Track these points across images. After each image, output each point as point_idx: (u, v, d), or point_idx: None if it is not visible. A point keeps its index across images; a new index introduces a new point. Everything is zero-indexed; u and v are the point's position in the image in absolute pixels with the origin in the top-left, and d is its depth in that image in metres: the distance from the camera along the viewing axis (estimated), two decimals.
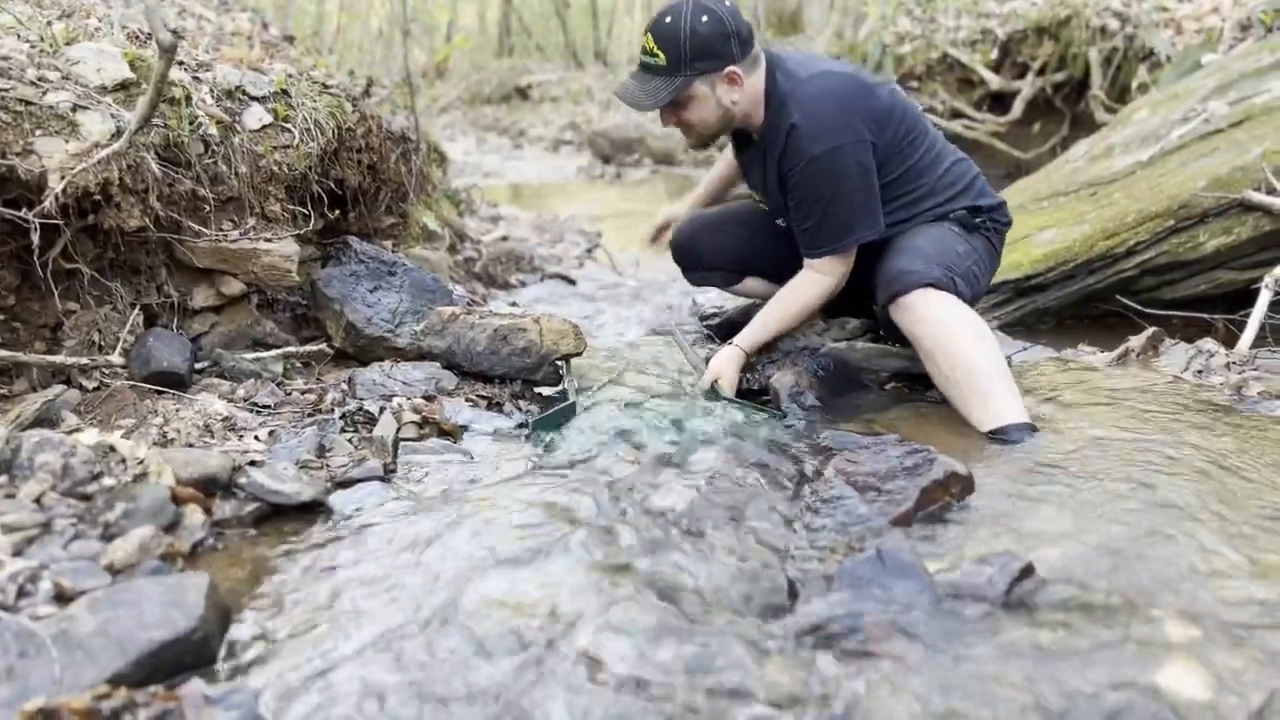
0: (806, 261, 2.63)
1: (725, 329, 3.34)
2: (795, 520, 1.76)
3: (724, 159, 3.17)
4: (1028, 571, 1.47)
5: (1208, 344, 2.80)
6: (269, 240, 2.64)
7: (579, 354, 2.75)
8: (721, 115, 2.54)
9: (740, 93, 2.50)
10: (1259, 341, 2.97)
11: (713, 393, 2.57)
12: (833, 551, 1.52)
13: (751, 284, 3.09)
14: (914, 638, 1.33)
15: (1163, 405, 2.38)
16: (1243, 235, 3.50)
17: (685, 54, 2.41)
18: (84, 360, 2.26)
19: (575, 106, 19.68)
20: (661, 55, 2.43)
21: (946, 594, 1.43)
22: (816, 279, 2.62)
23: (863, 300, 2.77)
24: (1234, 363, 2.66)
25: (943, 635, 1.34)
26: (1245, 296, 3.34)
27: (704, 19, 2.40)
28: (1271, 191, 3.44)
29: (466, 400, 2.62)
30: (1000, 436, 2.21)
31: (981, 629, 1.35)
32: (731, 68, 2.45)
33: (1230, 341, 2.96)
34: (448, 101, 22.32)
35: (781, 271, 2.73)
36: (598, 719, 1.17)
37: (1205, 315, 3.53)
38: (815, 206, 2.51)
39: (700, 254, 3.06)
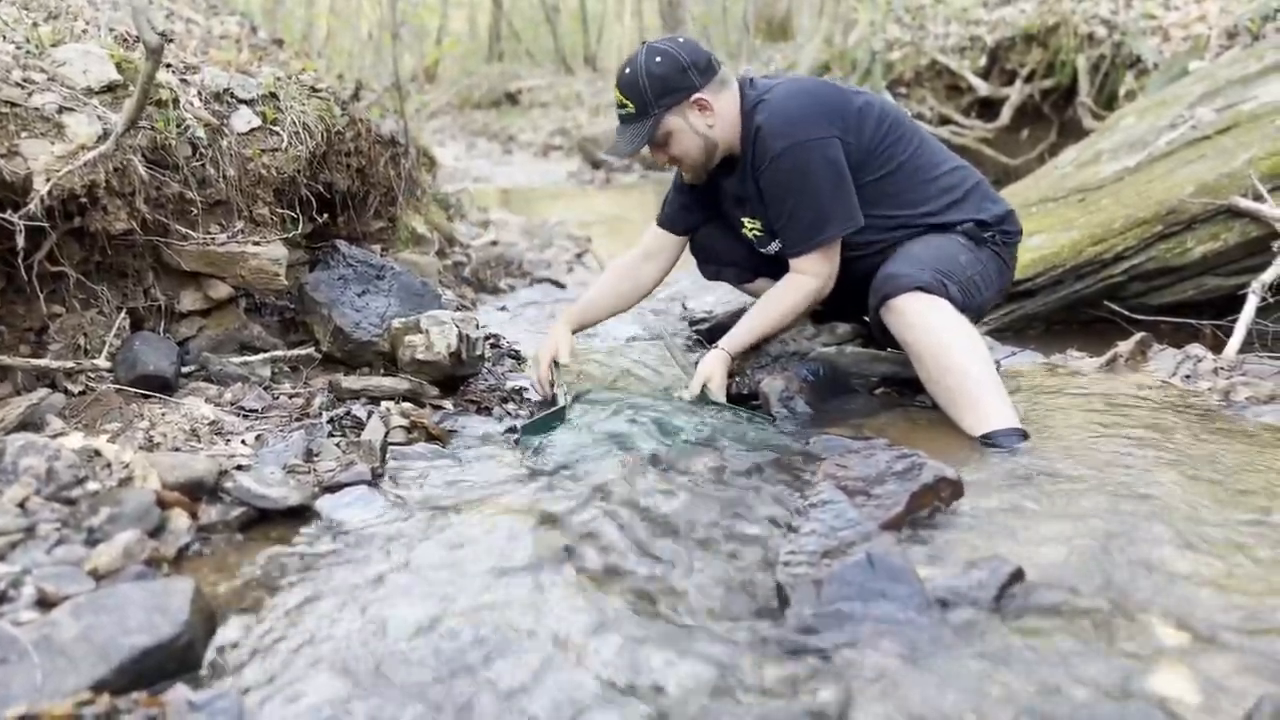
0: (790, 263, 2.63)
1: (715, 333, 3.33)
2: (785, 525, 1.75)
3: (612, 273, 3.05)
4: (1017, 576, 1.47)
5: (1195, 349, 2.81)
6: (257, 244, 2.63)
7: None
8: (703, 144, 2.59)
9: (714, 117, 2.56)
10: (1246, 347, 2.98)
11: (703, 397, 2.57)
12: (823, 556, 1.52)
13: (763, 284, 3.08)
14: (904, 642, 1.33)
15: (1151, 410, 2.38)
16: (1230, 241, 3.51)
17: (648, 96, 2.52)
18: (69, 364, 2.25)
19: (565, 112, 19.71)
20: (630, 104, 2.55)
21: (936, 598, 1.42)
22: (800, 281, 2.61)
23: (854, 307, 2.76)
24: (1222, 368, 2.67)
25: (932, 639, 1.33)
26: (1232, 302, 3.35)
27: (657, 60, 2.52)
28: (1259, 198, 3.46)
29: (455, 404, 2.61)
30: (990, 441, 2.20)
31: (971, 633, 1.35)
32: (696, 95, 2.53)
33: (1218, 347, 2.97)
34: (438, 106, 22.30)
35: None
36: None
37: (1193, 321, 3.54)
38: (785, 203, 2.52)
39: (717, 250, 3.05)
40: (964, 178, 2.67)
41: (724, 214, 2.93)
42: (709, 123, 2.55)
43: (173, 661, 1.27)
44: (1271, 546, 1.60)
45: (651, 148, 2.60)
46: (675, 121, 2.54)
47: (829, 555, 1.51)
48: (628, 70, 2.55)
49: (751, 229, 2.78)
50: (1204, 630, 1.34)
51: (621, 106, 2.57)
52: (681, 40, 2.59)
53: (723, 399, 2.57)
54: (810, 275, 2.60)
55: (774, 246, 2.72)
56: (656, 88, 2.50)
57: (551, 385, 2.66)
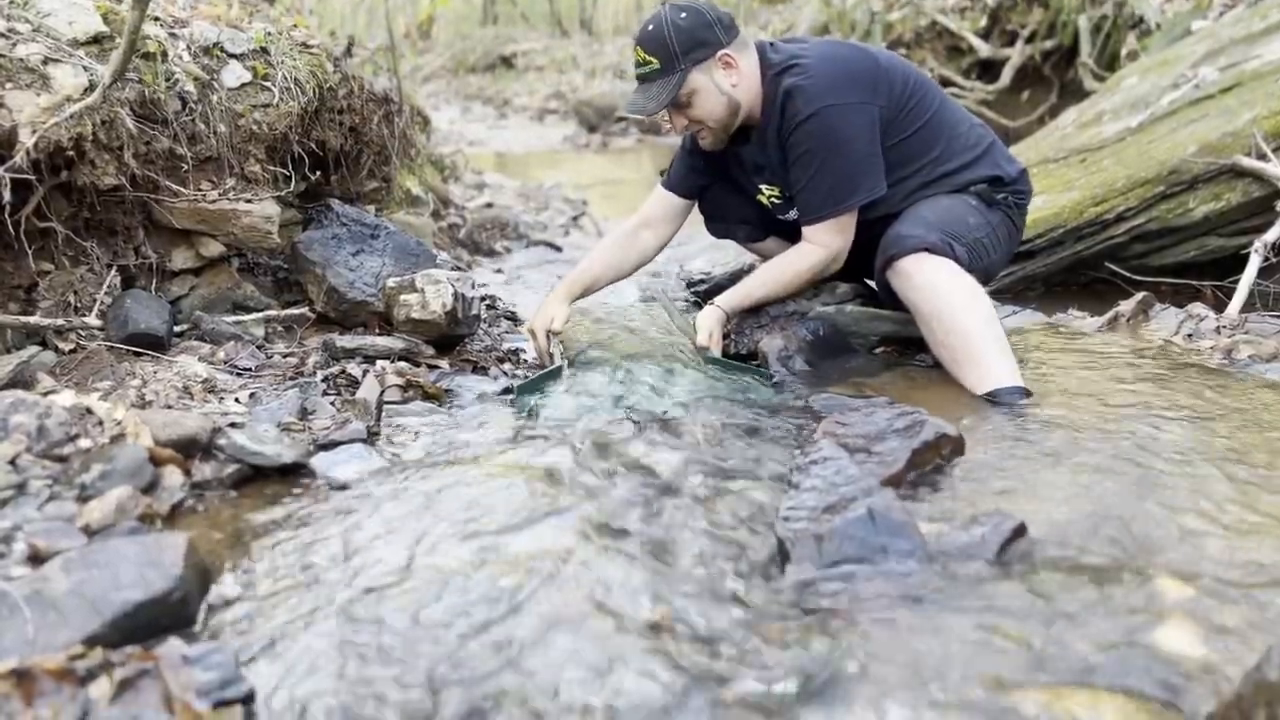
0: (804, 232, 2.60)
1: (712, 295, 3.30)
2: (785, 482, 1.74)
3: (611, 240, 3.01)
4: (1020, 531, 1.46)
5: (1198, 308, 2.78)
6: (249, 201, 2.60)
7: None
8: (726, 103, 2.53)
9: (738, 75, 2.50)
10: (1248, 306, 2.97)
11: (702, 354, 2.55)
12: (823, 511, 1.50)
13: (772, 244, 3.04)
14: (906, 597, 1.31)
15: (1153, 368, 2.37)
16: (1232, 201, 3.48)
17: (675, 51, 2.45)
18: (60, 321, 2.22)
19: (560, 75, 19.53)
20: (654, 60, 2.47)
21: (938, 554, 1.41)
22: (811, 251, 2.58)
23: (859, 268, 2.73)
24: (1224, 327, 2.65)
25: (935, 594, 1.32)
26: (1234, 263, 3.33)
27: (683, 15, 2.46)
28: (1262, 157, 3.42)
29: (451, 364, 2.59)
30: (993, 399, 2.19)
31: (974, 588, 1.34)
32: (723, 51, 2.47)
33: (1219, 308, 2.95)
34: (432, 70, 22.12)
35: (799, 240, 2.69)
36: (588, 675, 1.15)
37: (1194, 282, 3.52)
38: (809, 167, 2.47)
39: (728, 207, 3.01)
40: (981, 135, 2.65)
41: (735, 180, 2.88)
42: (733, 81, 2.50)
43: (166, 616, 1.26)
44: (1275, 501, 1.59)
45: (672, 111, 2.54)
46: (700, 79, 2.48)
47: (830, 510, 1.50)
48: (651, 26, 2.48)
49: (769, 195, 2.74)
50: (1209, 584, 1.33)
51: (643, 64, 2.50)
52: (702, 0, 2.53)
53: (718, 355, 2.55)
54: (821, 247, 2.57)
55: (793, 214, 2.69)
56: (684, 42, 2.44)
57: (551, 356, 2.63)
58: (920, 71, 2.67)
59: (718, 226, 3.13)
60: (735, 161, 2.77)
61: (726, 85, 2.50)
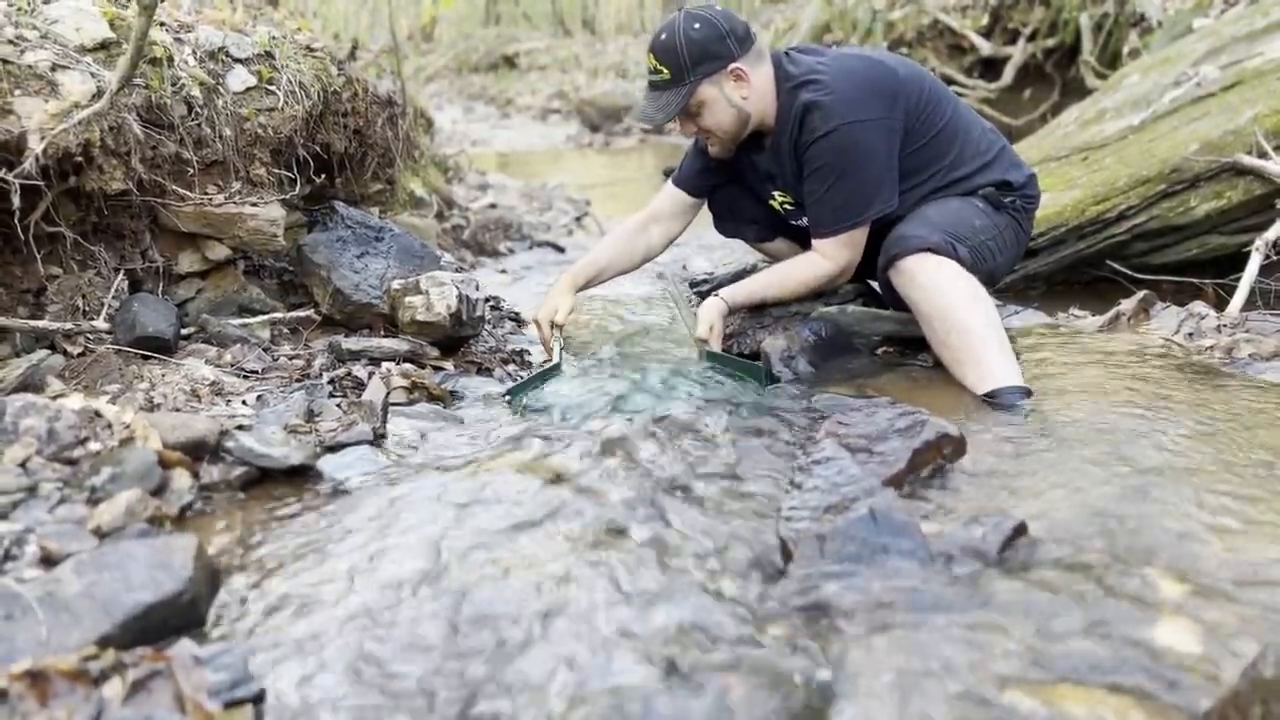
0: (814, 244, 2.61)
1: None
2: (787, 482, 1.75)
3: (618, 233, 3.01)
4: (1021, 531, 1.47)
5: (1198, 307, 2.79)
6: (254, 205, 2.61)
7: None
8: (736, 115, 2.55)
9: (749, 88, 2.51)
10: (1249, 305, 2.98)
11: (704, 348, 2.56)
12: (825, 511, 1.52)
13: (781, 244, 3.06)
14: (907, 595, 1.32)
15: (1154, 367, 2.38)
16: (1234, 199, 3.49)
17: (685, 62, 2.46)
18: (68, 325, 2.24)
19: (563, 75, 19.56)
20: (665, 70, 2.49)
21: (940, 553, 1.42)
22: (819, 262, 2.60)
23: (862, 268, 2.74)
24: (1225, 325, 2.66)
25: (936, 593, 1.33)
26: (1235, 261, 3.34)
27: (696, 26, 2.46)
28: (1263, 155, 3.43)
29: (456, 366, 2.61)
30: (994, 399, 2.20)
31: (974, 588, 1.35)
32: (734, 65, 2.48)
33: (1220, 306, 2.96)
34: (435, 70, 22.15)
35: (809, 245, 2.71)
36: (590, 674, 1.17)
37: (1195, 280, 3.52)
38: (824, 182, 2.48)
39: (738, 207, 3.02)
40: (993, 141, 2.67)
41: (747, 183, 2.89)
42: (743, 94, 2.51)
43: (177, 617, 1.27)
44: (1275, 501, 1.60)
45: (681, 118, 2.56)
46: (710, 91, 2.49)
47: (832, 510, 1.51)
48: (664, 35, 2.49)
49: (782, 201, 2.76)
50: (1207, 583, 1.34)
51: (655, 72, 2.51)
52: (720, 8, 2.54)
53: (718, 348, 2.57)
54: (830, 260, 2.58)
55: (805, 220, 2.70)
56: (695, 54, 2.45)
57: (552, 348, 2.65)
58: (935, 78, 2.67)
59: (727, 226, 3.14)
60: (749, 166, 2.78)
61: (736, 98, 2.51)
